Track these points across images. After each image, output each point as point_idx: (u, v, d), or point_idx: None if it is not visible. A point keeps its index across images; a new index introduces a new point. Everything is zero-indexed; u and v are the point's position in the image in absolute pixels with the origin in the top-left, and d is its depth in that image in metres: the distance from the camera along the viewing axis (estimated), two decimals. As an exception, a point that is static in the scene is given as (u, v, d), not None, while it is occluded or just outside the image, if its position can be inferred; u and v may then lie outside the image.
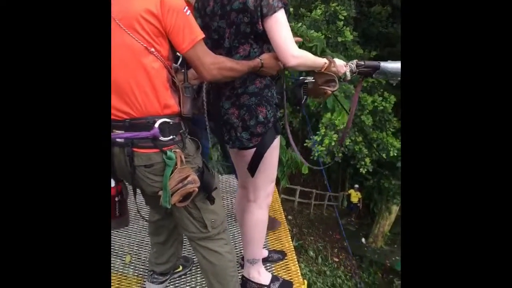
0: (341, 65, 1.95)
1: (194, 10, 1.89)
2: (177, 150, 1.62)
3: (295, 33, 5.68)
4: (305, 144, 10.69)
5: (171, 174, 1.59)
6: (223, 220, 1.85)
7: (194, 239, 1.85)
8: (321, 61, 1.87)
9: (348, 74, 1.98)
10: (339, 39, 9.85)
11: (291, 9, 8.70)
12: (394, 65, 2.00)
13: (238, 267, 2.10)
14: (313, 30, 6.85)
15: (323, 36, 7.20)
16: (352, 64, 1.99)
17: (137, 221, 2.97)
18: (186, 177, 1.60)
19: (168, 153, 1.59)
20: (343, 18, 10.09)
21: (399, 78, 2.03)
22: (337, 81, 1.88)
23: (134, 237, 2.87)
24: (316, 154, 10.12)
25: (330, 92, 1.89)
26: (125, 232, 2.89)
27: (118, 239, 2.81)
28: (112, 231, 2.86)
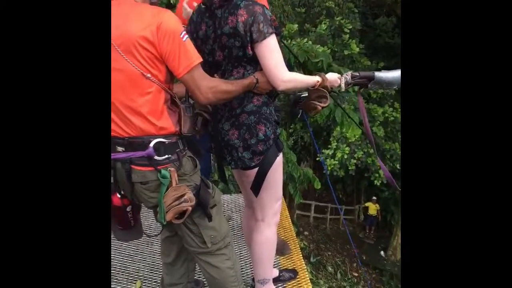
0: (334, 79, 1.96)
1: (189, 32, 1.92)
2: (172, 169, 1.65)
3: (301, 48, 5.72)
4: (317, 159, 10.67)
5: (166, 191, 1.63)
6: (224, 236, 1.86)
7: (194, 253, 1.89)
8: (313, 80, 1.88)
9: (342, 85, 1.99)
10: (346, 52, 9.90)
11: (296, 26, 8.76)
12: (389, 74, 2.00)
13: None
14: (319, 45, 6.89)
15: (329, 51, 7.23)
16: (347, 76, 2.00)
17: (148, 245, 2.98)
18: (182, 195, 1.63)
19: (162, 171, 1.62)
20: (348, 31, 10.14)
21: (395, 87, 2.03)
22: (328, 97, 1.90)
23: (145, 261, 2.86)
24: (329, 168, 10.09)
25: (320, 107, 1.91)
26: (138, 257, 2.89)
27: (129, 265, 2.81)
28: (124, 257, 2.87)
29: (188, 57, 1.56)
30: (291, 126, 10.99)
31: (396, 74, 2.03)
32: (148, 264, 2.82)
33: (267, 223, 2.10)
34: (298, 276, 2.64)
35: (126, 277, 2.69)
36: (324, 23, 10.37)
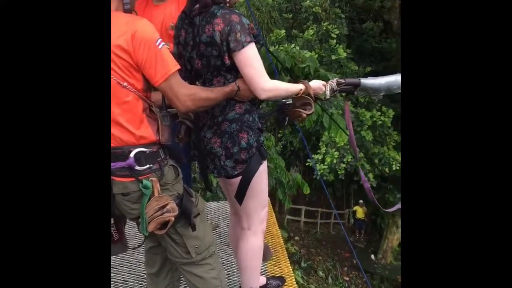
0: (318, 87, 1.95)
1: (173, 37, 1.91)
2: (154, 178, 1.62)
3: (288, 54, 5.73)
4: (307, 164, 10.67)
5: (148, 201, 1.60)
6: (208, 246, 1.83)
7: (178, 264, 1.85)
8: (296, 88, 1.85)
9: (327, 93, 1.96)
10: (333, 57, 9.95)
11: (283, 31, 8.79)
12: (375, 81, 1.99)
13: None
14: (306, 51, 6.92)
15: (316, 56, 7.26)
16: (333, 83, 1.98)
17: (133, 254, 2.94)
18: (165, 206, 1.60)
19: (144, 182, 1.60)
20: (335, 36, 10.20)
21: (382, 94, 2.01)
22: (313, 104, 1.88)
23: (131, 270, 2.82)
24: (319, 173, 10.10)
25: (305, 115, 1.89)
26: (124, 266, 2.85)
27: (114, 275, 2.77)
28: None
29: (165, 65, 1.54)
30: (280, 131, 10.99)
31: (382, 80, 2.01)
32: (134, 273, 2.79)
33: (253, 231, 2.08)
34: (285, 283, 2.62)
35: (113, 286, 2.64)
36: (311, 29, 10.42)
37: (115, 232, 1.79)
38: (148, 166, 1.61)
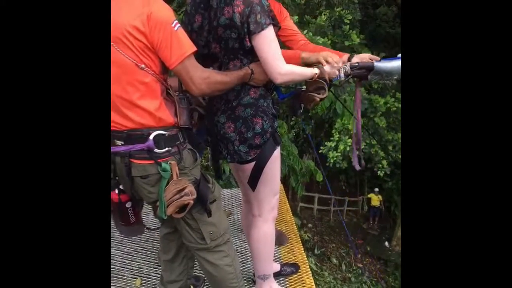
0: (333, 71, 1.92)
1: (182, 25, 1.89)
2: (172, 162, 1.62)
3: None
4: (320, 151, 10.62)
5: (166, 185, 1.60)
6: (223, 233, 1.84)
7: (193, 249, 1.87)
8: (311, 72, 1.84)
9: (342, 76, 1.94)
10: (346, 43, 9.80)
11: (296, 17, 8.68)
12: (388, 64, 1.96)
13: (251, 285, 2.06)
14: (319, 37, 6.83)
15: (329, 42, 7.17)
16: (346, 66, 1.96)
17: (149, 241, 2.96)
18: (183, 189, 1.61)
19: (163, 165, 1.60)
20: (348, 22, 10.04)
21: (395, 77, 1.98)
22: (326, 88, 1.86)
23: (147, 257, 2.85)
24: (332, 160, 10.05)
25: (318, 99, 1.87)
26: (140, 253, 2.88)
27: (129, 262, 2.80)
28: (125, 253, 2.86)
29: (181, 46, 1.53)
30: (293, 119, 10.92)
31: (395, 63, 1.98)
32: (150, 260, 2.81)
33: (264, 219, 2.09)
34: (299, 270, 2.62)
35: (129, 273, 2.67)
36: (324, 14, 10.25)
37: (131, 215, 1.81)
38: (167, 149, 1.62)
